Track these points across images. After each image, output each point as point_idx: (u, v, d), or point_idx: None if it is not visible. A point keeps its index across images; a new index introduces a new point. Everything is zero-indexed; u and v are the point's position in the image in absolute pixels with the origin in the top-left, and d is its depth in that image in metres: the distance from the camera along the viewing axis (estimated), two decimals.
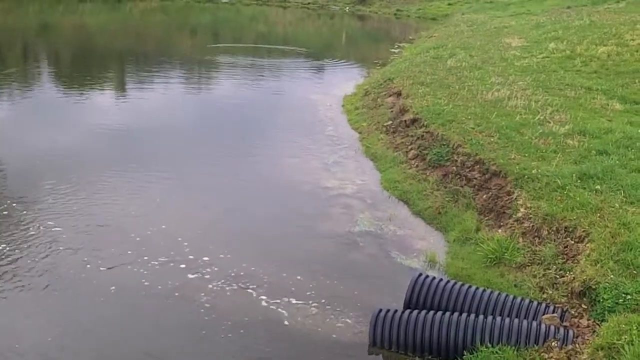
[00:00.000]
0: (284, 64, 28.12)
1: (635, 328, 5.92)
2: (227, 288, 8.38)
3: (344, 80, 23.08)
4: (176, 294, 8.21)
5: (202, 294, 8.20)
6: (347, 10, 54.61)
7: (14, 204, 10.83)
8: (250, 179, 12.60)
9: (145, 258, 9.05)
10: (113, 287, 8.29)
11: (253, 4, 55.26)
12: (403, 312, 7.32)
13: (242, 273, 8.74)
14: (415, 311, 7.28)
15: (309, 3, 56.74)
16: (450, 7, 49.78)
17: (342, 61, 29.50)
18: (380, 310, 7.34)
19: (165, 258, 9.06)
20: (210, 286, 8.40)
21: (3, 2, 45.33)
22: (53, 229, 9.89)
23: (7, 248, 9.23)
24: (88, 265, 8.86)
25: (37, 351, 6.99)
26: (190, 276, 8.64)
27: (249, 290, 8.33)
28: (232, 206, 11.23)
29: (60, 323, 7.60)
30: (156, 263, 8.94)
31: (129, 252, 9.23)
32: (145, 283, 8.44)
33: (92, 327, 7.50)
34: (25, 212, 10.54)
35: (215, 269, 8.83)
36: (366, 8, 54.81)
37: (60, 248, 9.31)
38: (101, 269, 8.79)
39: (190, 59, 27.69)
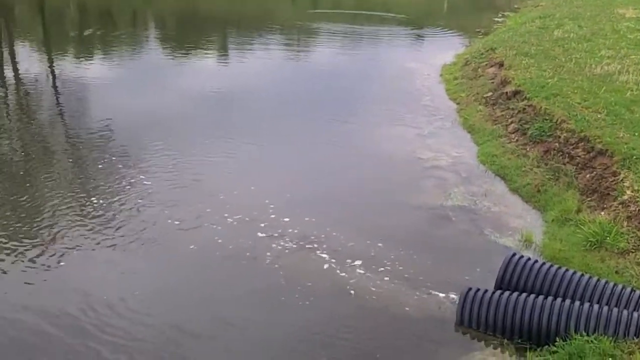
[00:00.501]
0: (382, 31, 27.58)
1: None
2: (306, 253, 8.38)
3: (444, 49, 22.37)
4: (254, 256, 8.26)
5: (278, 258, 8.25)
6: None
7: (113, 158, 11.27)
8: (342, 146, 12.47)
9: (226, 216, 9.22)
10: (193, 246, 8.46)
11: None
12: (494, 292, 7.03)
13: (324, 238, 8.71)
14: (507, 292, 6.98)
15: None
16: None
17: (443, 29, 28.69)
18: (470, 289, 7.09)
19: (248, 218, 9.14)
20: (286, 250, 8.41)
21: None
22: (144, 183, 10.18)
23: (100, 201, 9.56)
24: (173, 222, 9.04)
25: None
26: (272, 237, 8.70)
27: (329, 257, 8.27)
28: (323, 172, 11.19)
29: (140, 279, 7.83)
30: (237, 222, 9.05)
31: (214, 210, 9.41)
32: (222, 242, 8.60)
33: (173, 286, 7.66)
34: (121, 166, 10.91)
35: (296, 232, 8.84)
36: None
37: (149, 203, 9.56)
38: (184, 227, 8.96)
39: (289, 25, 27.53)
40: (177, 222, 9.13)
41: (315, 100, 15.71)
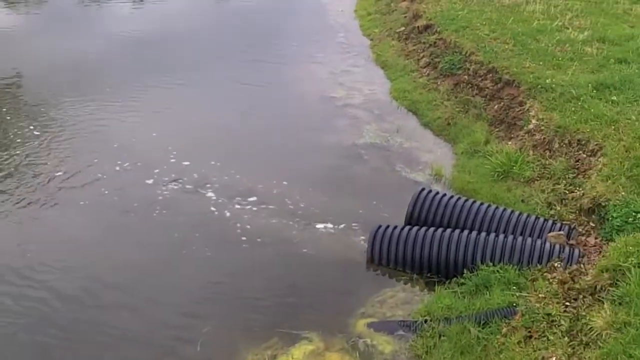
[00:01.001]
0: None
1: None
2: (201, 197, 8.23)
3: None
4: (164, 211, 8.04)
5: (195, 208, 8.06)
6: None
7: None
8: (253, 86, 12.23)
9: (126, 165, 8.97)
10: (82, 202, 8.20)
11: None
12: (403, 228, 7.06)
13: (226, 180, 8.59)
14: (415, 228, 7.02)
15: None
16: None
17: None
18: (380, 227, 7.09)
19: (142, 164, 8.90)
20: (201, 198, 8.23)
21: None
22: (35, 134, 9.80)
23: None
24: (60, 176, 8.76)
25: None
26: (186, 187, 8.46)
27: (244, 204, 8.12)
28: (231, 113, 10.96)
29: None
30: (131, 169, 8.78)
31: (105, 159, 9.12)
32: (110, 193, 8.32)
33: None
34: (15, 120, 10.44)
35: (196, 176, 8.68)
36: None
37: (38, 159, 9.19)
38: (73, 182, 8.66)
39: None
40: (63, 175, 8.77)
41: (227, 39, 15.36)
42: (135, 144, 9.64)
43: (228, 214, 7.91)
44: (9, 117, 10.63)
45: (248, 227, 7.66)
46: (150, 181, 8.60)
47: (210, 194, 8.33)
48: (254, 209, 8.04)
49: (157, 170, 8.85)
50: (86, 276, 6.74)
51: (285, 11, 18.42)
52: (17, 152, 9.38)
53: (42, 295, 6.44)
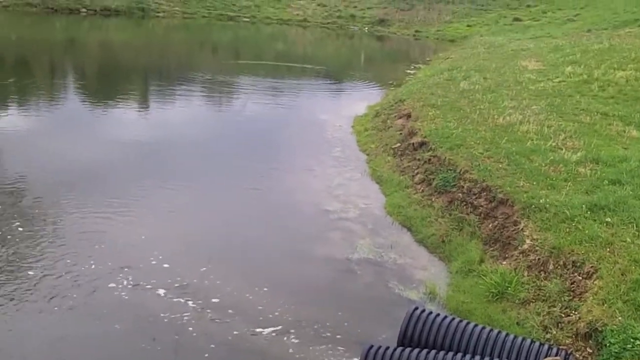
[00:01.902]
0: (300, 84, 27.79)
1: None
2: (208, 314, 7.99)
3: (358, 101, 22.72)
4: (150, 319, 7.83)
5: (180, 318, 7.82)
6: (366, 31, 54.36)
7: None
8: (249, 196, 12.26)
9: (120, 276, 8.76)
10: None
11: (273, 23, 55.07)
12: (395, 349, 6.84)
13: (225, 297, 8.35)
14: (408, 349, 6.80)
15: (328, 23, 56.53)
16: (469, 29, 49.43)
17: (359, 81, 29.20)
18: (371, 347, 6.87)
19: (147, 283, 8.68)
20: (188, 312, 8.00)
21: (30, 16, 45.54)
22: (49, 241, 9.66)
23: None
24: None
25: None
26: (172, 299, 8.25)
27: (230, 319, 7.90)
28: (227, 223, 10.90)
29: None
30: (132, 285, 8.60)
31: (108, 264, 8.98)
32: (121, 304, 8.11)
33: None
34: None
35: (197, 291, 8.44)
36: (385, 29, 54.52)
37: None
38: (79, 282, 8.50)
39: (210, 77, 27.26)
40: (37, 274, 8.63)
41: (227, 150, 15.54)
42: (122, 246, 9.53)
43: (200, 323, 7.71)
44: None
45: (217, 339, 7.45)
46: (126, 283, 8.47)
47: (186, 300, 8.16)
48: (229, 320, 7.83)
49: (135, 273, 8.71)
50: None
51: (284, 124, 18.86)
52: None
53: None
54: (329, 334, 7.64)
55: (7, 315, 7.71)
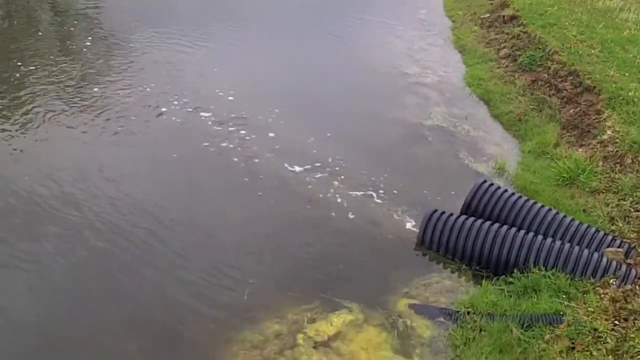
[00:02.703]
0: None
1: None
2: (285, 165, 8.19)
3: None
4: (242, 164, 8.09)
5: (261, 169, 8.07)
6: None
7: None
8: (330, 54, 12.12)
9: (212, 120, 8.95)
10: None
11: None
12: (458, 216, 6.95)
13: (303, 150, 8.49)
14: (471, 218, 6.90)
15: None
16: None
17: None
18: (435, 211, 6.99)
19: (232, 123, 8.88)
20: (267, 159, 8.21)
21: None
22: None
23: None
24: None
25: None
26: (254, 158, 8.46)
27: (306, 171, 8.09)
28: (303, 72, 10.89)
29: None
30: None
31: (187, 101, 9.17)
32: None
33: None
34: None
35: (278, 140, 8.60)
36: None
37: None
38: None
39: None
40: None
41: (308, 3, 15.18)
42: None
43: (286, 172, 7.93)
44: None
45: (304, 187, 7.65)
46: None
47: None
48: (309, 171, 8.02)
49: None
50: None
51: None
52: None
53: None
54: (398, 195, 7.76)
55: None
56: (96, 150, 7.99)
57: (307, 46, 12.06)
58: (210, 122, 8.75)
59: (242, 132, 8.64)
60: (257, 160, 8.12)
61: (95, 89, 9.37)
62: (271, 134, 8.74)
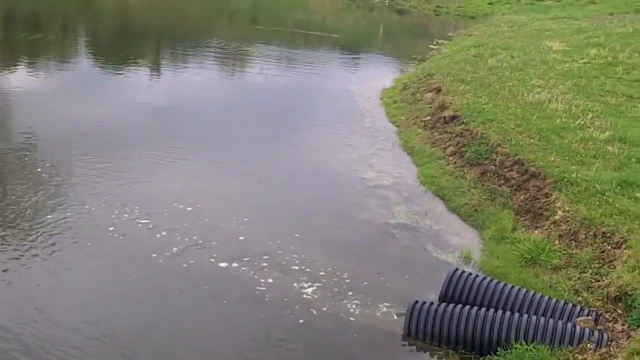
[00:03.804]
0: (321, 54, 28.17)
1: None
2: (261, 271, 8.58)
3: (382, 74, 23.14)
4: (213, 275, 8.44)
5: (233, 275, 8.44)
6: (386, 4, 54.33)
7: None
8: (287, 166, 12.79)
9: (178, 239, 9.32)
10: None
11: None
12: (439, 304, 7.43)
13: (275, 257, 8.91)
14: (451, 305, 7.39)
15: None
16: (491, 6, 49.25)
17: (380, 54, 29.53)
18: (417, 302, 7.47)
19: (198, 242, 9.24)
20: (241, 269, 8.60)
21: None
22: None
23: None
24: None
25: None
26: (222, 264, 8.84)
27: (283, 275, 8.49)
28: (268, 191, 11.38)
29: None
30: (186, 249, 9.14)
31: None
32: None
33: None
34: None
35: (248, 250, 9.01)
36: (405, 2, 54.37)
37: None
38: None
39: (226, 44, 27.50)
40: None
41: (257, 119, 15.94)
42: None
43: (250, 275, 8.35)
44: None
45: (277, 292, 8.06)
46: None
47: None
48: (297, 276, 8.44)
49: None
50: None
51: (312, 97, 19.14)
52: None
53: None
54: (374, 292, 8.20)
55: None
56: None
57: (265, 157, 12.65)
58: (171, 236, 9.07)
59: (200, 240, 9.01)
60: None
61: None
62: (241, 237, 9.21)
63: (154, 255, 8.65)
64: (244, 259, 8.73)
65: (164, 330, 7.18)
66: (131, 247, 8.87)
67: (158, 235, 9.19)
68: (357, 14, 50.26)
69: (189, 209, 10.09)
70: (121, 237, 9.08)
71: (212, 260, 8.67)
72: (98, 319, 7.19)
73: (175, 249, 8.83)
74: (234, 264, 8.62)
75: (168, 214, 9.82)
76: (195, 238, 9.16)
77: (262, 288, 8.13)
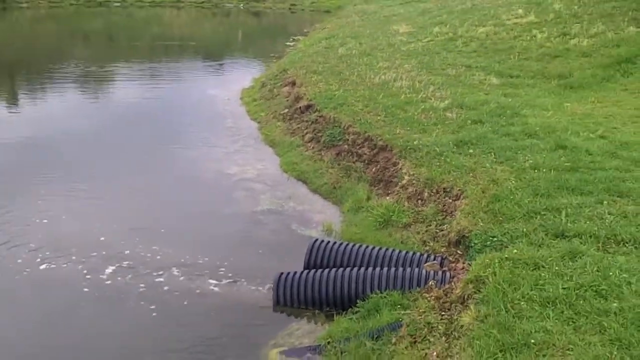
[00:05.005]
0: (180, 64, 28.39)
1: (497, 262, 6.86)
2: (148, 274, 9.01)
3: (242, 75, 23.74)
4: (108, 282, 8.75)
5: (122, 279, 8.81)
6: (241, 7, 54.91)
7: None
8: (155, 172, 13.11)
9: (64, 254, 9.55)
10: None
11: (146, 6, 54.39)
12: (302, 272, 8.10)
13: (160, 261, 9.31)
14: (312, 270, 8.08)
15: (203, 2, 56.48)
16: None
17: (240, 57, 30.11)
18: (282, 273, 8.11)
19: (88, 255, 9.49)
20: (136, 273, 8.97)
21: None
22: None
23: None
24: None
25: None
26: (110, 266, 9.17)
27: (164, 271, 8.94)
28: (139, 199, 11.69)
29: None
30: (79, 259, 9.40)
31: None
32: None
33: None
34: None
35: (135, 260, 9.36)
36: (260, 4, 55.24)
37: None
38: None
39: (84, 66, 27.11)
40: None
41: (120, 136, 15.92)
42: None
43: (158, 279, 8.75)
44: None
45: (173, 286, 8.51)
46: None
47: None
48: (165, 274, 8.89)
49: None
50: None
51: (173, 106, 19.26)
52: None
53: None
54: (247, 273, 8.78)
55: None
56: None
57: (131, 175, 12.83)
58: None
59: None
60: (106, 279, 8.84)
61: None
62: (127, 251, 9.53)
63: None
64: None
65: None
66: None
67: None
68: (213, 21, 50.53)
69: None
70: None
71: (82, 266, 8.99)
72: None
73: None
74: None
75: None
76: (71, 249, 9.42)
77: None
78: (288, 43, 30.80)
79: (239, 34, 43.23)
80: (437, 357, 6.14)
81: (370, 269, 7.91)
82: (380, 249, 8.46)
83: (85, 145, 15.06)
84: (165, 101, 20.07)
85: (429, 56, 18.66)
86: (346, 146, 12.58)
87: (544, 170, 9.18)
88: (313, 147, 13.46)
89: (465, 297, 6.74)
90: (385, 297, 7.44)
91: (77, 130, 16.53)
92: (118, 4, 54.14)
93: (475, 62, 17.49)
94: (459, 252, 8.28)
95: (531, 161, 9.58)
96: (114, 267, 9.07)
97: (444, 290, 7.29)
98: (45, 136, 15.85)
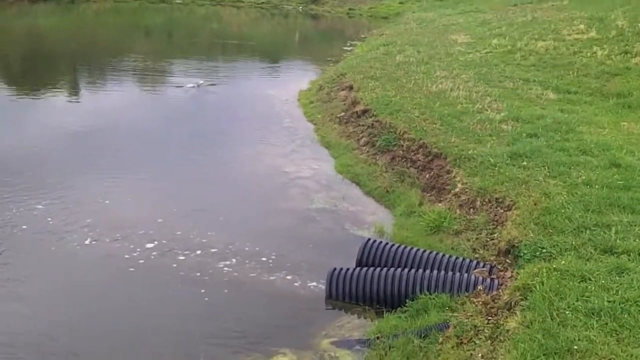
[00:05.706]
0: (239, 63, 29.02)
1: (545, 272, 7.11)
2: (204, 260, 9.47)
3: (299, 77, 24.19)
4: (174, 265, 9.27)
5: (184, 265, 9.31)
6: (300, 10, 55.54)
7: None
8: (215, 165, 13.65)
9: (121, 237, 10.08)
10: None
11: (207, 4, 55.43)
12: (354, 269, 8.46)
13: (216, 247, 9.76)
14: (365, 268, 8.43)
15: (262, 3, 57.31)
16: (402, 5, 51.12)
17: (297, 59, 30.59)
18: (335, 269, 8.48)
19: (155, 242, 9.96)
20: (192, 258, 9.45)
21: None
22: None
23: None
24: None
25: None
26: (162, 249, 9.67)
27: (224, 261, 9.38)
28: (201, 189, 12.22)
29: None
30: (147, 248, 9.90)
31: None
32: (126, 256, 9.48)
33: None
34: None
35: (191, 244, 9.86)
36: (319, 7, 55.80)
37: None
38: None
39: (144, 60, 27.85)
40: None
41: (183, 128, 16.64)
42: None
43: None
44: None
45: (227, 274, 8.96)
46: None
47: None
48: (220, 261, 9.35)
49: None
50: None
51: (233, 104, 19.81)
52: None
53: None
54: (302, 267, 9.18)
55: None
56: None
57: (196, 170, 13.38)
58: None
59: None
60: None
61: None
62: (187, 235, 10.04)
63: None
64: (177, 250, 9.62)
65: None
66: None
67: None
68: (272, 21, 51.24)
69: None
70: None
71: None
72: None
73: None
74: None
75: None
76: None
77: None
78: (345, 47, 31.19)
79: (296, 36, 43.81)
80: (482, 358, 6.42)
81: (420, 270, 8.21)
82: (430, 252, 8.76)
83: (148, 137, 15.73)
84: (224, 98, 20.65)
85: (486, 67, 18.80)
86: (401, 152, 12.89)
87: (597, 186, 9.34)
88: (368, 151, 13.81)
89: (512, 303, 7.00)
90: (434, 298, 7.73)
91: (142, 122, 17.33)
92: (180, 1, 55.27)
93: (533, 76, 17.57)
94: (507, 261, 8.51)
95: (584, 177, 9.74)
96: (166, 250, 9.60)
97: (491, 297, 7.55)
98: (109, 126, 16.57)
